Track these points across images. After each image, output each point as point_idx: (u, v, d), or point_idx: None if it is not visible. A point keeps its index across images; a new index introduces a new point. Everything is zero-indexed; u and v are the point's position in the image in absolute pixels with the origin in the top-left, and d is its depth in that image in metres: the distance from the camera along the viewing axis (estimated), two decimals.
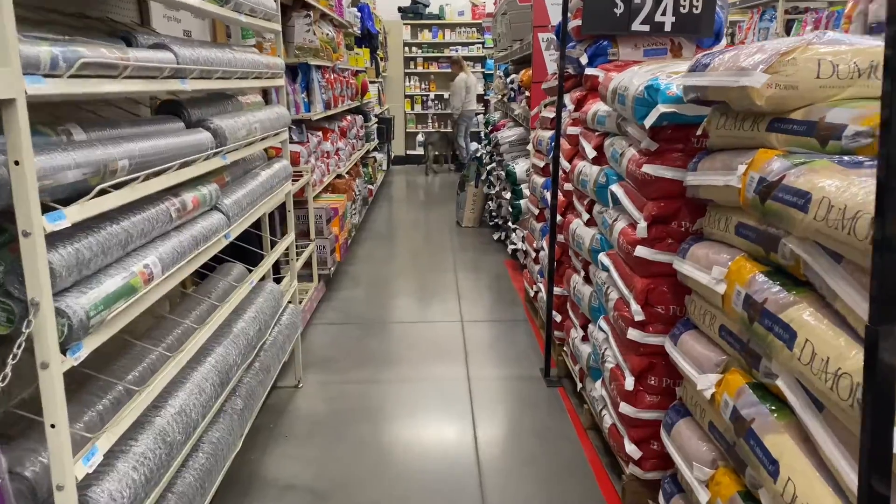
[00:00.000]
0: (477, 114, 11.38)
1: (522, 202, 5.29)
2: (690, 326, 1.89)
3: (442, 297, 4.57)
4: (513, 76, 5.41)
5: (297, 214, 4.34)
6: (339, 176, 5.46)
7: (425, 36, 11.54)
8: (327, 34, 5.14)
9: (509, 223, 5.61)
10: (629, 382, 2.17)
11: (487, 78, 11.52)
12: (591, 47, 3.19)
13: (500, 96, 7.70)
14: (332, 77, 5.12)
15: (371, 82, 9.02)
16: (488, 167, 6.34)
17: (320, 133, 4.80)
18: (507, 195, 5.43)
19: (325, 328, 4.03)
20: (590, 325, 2.74)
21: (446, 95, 11.35)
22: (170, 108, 2.17)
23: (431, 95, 11.74)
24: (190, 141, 1.92)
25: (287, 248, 3.14)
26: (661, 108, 2.01)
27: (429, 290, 4.72)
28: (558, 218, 3.25)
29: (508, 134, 5.76)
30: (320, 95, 4.60)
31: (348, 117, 6.21)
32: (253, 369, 2.49)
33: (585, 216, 2.83)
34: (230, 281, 2.63)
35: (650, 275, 2.14)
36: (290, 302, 3.10)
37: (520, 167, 5.30)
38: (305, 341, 3.80)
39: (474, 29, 11.55)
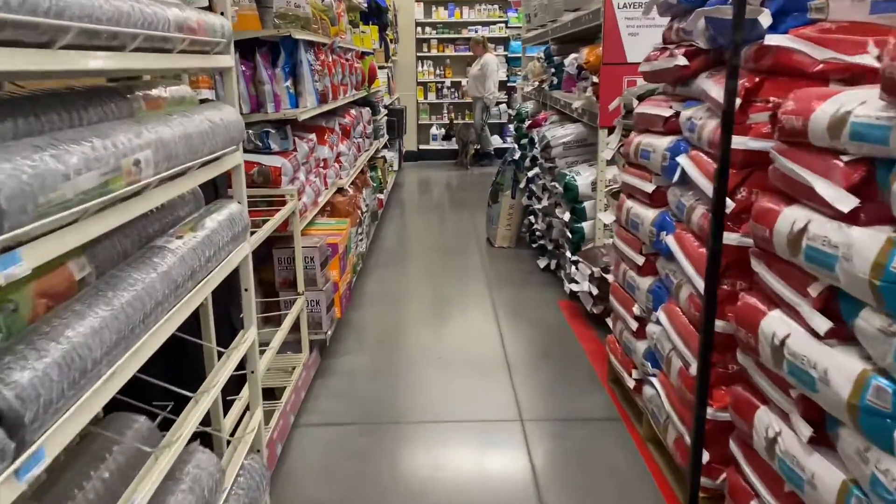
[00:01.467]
0: (499, 103, 10.02)
1: (586, 226, 3.96)
2: None
3: (483, 369, 3.24)
4: (572, 57, 4.08)
5: (278, 257, 3.03)
6: (340, 191, 4.14)
7: (440, 14, 10.15)
8: (323, 0, 3.79)
9: (564, 250, 4.28)
10: None
11: (512, 62, 10.14)
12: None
13: (536, 83, 6.35)
14: (329, 59, 3.78)
15: (380, 67, 7.67)
16: (529, 173, 5.00)
17: (313, 136, 3.48)
18: (564, 214, 4.10)
19: (317, 434, 2.71)
20: None
21: (464, 82, 9.97)
22: None
23: (447, 82, 10.37)
24: None
25: (246, 358, 1.82)
26: None
27: (461, 355, 3.40)
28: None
29: (561, 133, 4.41)
30: (312, 84, 3.27)
31: (352, 111, 4.87)
32: None
33: (808, 313, 1.45)
34: (116, 459, 1.31)
35: None
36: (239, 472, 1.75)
37: (582, 179, 3.96)
38: (286, 464, 2.49)
39: (496, 6, 10.15)
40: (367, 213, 4.87)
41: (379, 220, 5.86)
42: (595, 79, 3.79)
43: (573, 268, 4.00)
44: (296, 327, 3.00)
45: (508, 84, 10.27)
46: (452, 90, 10.40)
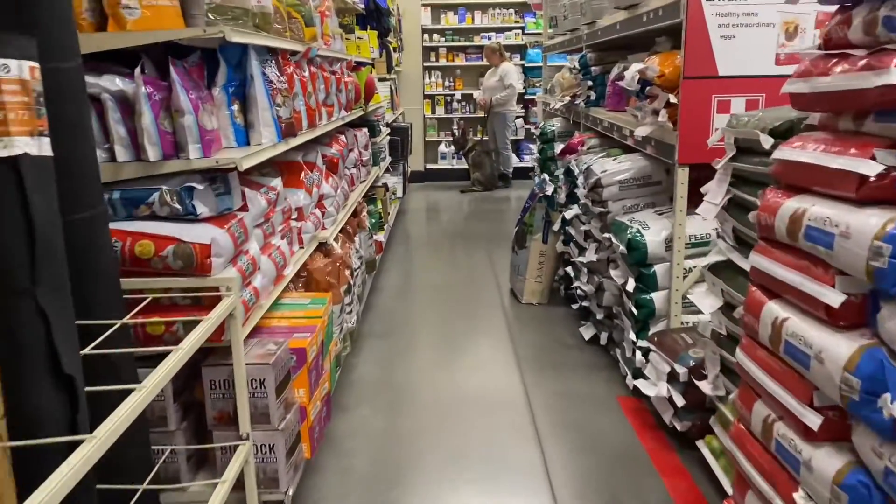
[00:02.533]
0: (517, 117, 8.98)
1: (657, 297, 2.90)
2: None
3: None
4: (634, 69, 3.01)
5: (210, 379, 1.98)
6: (321, 247, 3.09)
7: (449, 20, 9.13)
8: None
9: (621, 322, 3.21)
10: None
11: (529, 73, 9.11)
12: None
13: (566, 98, 5.30)
14: (303, 73, 2.73)
15: (381, 80, 6.65)
16: (566, 213, 3.93)
17: (278, 182, 2.42)
18: (625, 280, 3.03)
19: None
20: None
21: (476, 94, 8.95)
22: None
23: (457, 95, 9.33)
24: None
25: None
26: None
27: None
28: None
29: (615, 167, 3.34)
30: (271, 110, 2.22)
31: (343, 137, 3.83)
32: None
33: None
34: None
35: None
36: None
37: (652, 234, 2.89)
38: None
39: (512, 11, 9.12)
40: (360, 270, 3.81)
41: (377, 267, 4.80)
42: (672, 97, 2.73)
43: (638, 354, 2.92)
44: (240, 483, 1.94)
45: (526, 97, 9.22)
46: (463, 103, 9.36)
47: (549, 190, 4.19)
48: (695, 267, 2.86)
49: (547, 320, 4.03)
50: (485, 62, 9.11)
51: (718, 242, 2.28)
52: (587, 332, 3.67)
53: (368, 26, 5.29)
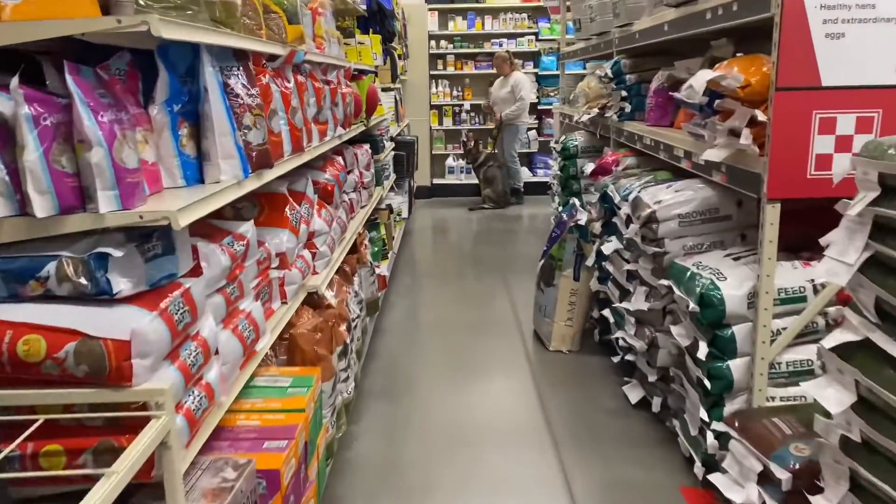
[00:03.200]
0: (529, 129, 8.40)
1: (736, 366, 2.29)
2: None
3: None
4: (702, 77, 2.39)
5: None
6: (309, 298, 2.49)
7: (458, 25, 8.55)
8: None
9: (681, 388, 2.59)
10: None
11: (543, 81, 8.53)
12: None
13: (593, 109, 4.70)
14: (285, 83, 2.13)
15: (385, 89, 6.07)
16: (604, 247, 3.32)
17: (247, 228, 1.82)
18: (693, 342, 2.42)
19: None
20: None
21: (484, 102, 8.36)
22: None
23: (466, 105, 8.74)
24: None
25: None
26: None
27: None
28: None
29: (672, 198, 2.72)
30: (233, 135, 1.61)
31: (340, 159, 3.22)
32: None
33: None
34: None
35: None
36: None
37: (732, 287, 2.27)
38: None
39: (525, 15, 8.54)
40: (361, 318, 3.20)
41: (380, 306, 4.19)
42: (760, 114, 2.12)
43: (710, 436, 2.31)
44: None
45: (539, 107, 8.63)
46: (472, 114, 8.77)
47: (583, 219, 3.58)
48: (784, 329, 2.25)
49: (581, 374, 3.41)
50: (495, 71, 8.54)
51: (849, 316, 1.67)
52: (634, 393, 3.05)
53: (371, 30, 4.71)
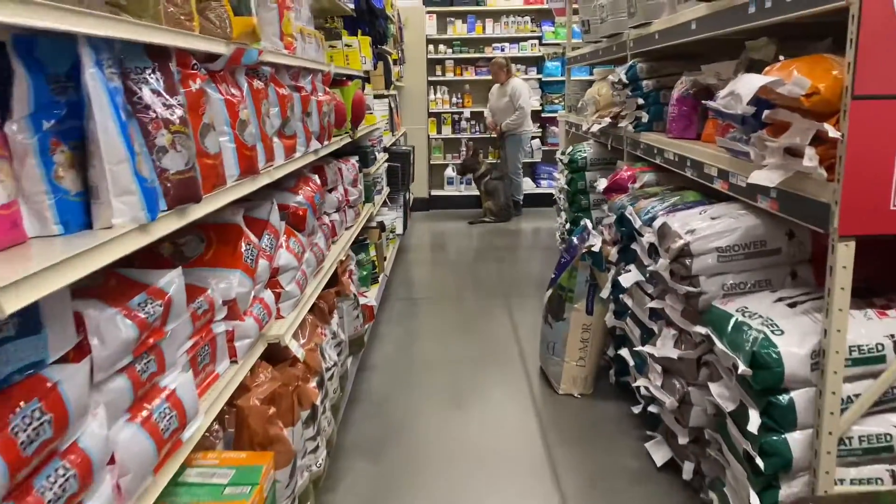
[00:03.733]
0: (533, 137, 7.98)
1: (794, 441, 1.84)
2: None
3: None
4: (749, 84, 1.96)
5: None
6: (272, 348, 2.05)
7: (457, 29, 8.13)
8: None
9: (727, 464, 2.14)
10: None
11: (546, 88, 8.12)
12: None
13: (605, 118, 4.28)
14: (231, 90, 1.69)
15: (378, 96, 5.65)
16: (622, 277, 2.87)
17: (170, 279, 1.38)
18: (739, 407, 1.97)
19: None
20: None
21: (486, 112, 7.95)
22: None
23: (466, 113, 8.31)
24: None
25: None
26: None
27: None
28: None
29: (710, 228, 2.27)
30: (131, 162, 1.17)
31: (314, 179, 2.77)
32: None
33: None
34: None
35: None
36: None
37: (791, 343, 1.82)
38: None
39: (528, 18, 8.12)
40: (339, 365, 2.74)
41: (366, 341, 3.74)
42: (832, 130, 1.68)
43: None
44: None
45: (543, 115, 8.20)
46: (472, 122, 8.34)
47: (597, 244, 3.14)
48: (857, 395, 1.80)
49: (596, 426, 2.96)
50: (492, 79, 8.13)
51: None
52: (659, 453, 2.60)
53: (360, 31, 4.28)
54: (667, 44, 3.24)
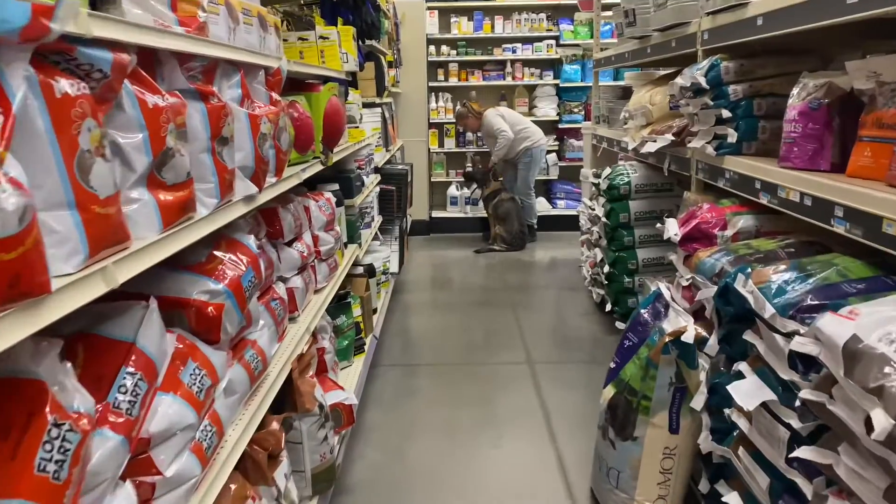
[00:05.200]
0: (549, 151, 6.97)
1: None
2: None
3: None
4: None
5: None
6: None
7: (462, 28, 7.11)
8: None
9: None
10: None
11: (564, 95, 7.11)
12: None
13: (666, 135, 3.27)
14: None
15: (369, 105, 4.65)
16: (736, 390, 1.83)
17: None
18: None
19: None
20: None
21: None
22: None
23: None
24: None
25: None
26: None
27: None
28: None
29: None
30: None
31: (244, 247, 1.71)
32: None
33: None
34: None
35: None
36: None
37: None
38: None
39: (543, 16, 7.10)
40: None
41: (348, 443, 2.69)
42: None
43: None
44: None
45: (560, 126, 7.17)
46: (479, 134, 7.31)
47: (689, 333, 2.08)
48: None
49: None
50: (507, 82, 7.12)
51: None
52: None
53: (340, 19, 3.24)
54: (775, 32, 2.21)
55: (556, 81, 7.09)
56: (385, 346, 3.98)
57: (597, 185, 4.29)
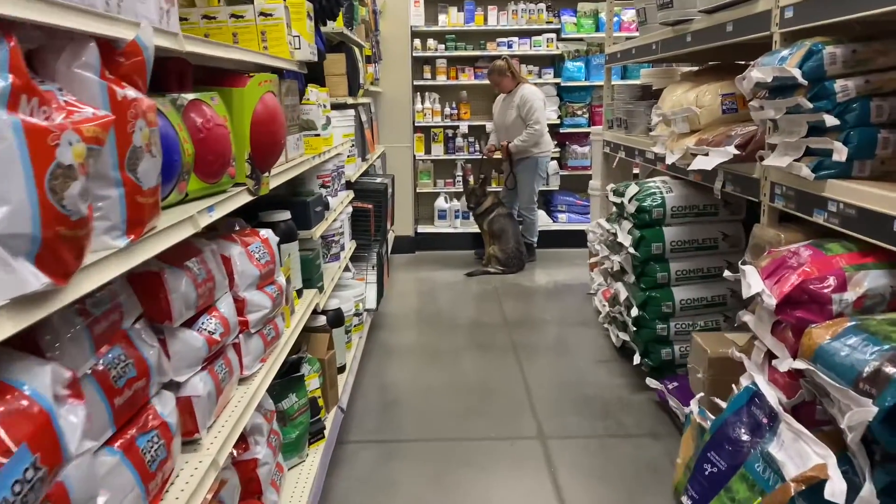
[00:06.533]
0: (551, 159, 6.17)
1: None
2: None
3: None
4: None
5: None
6: None
7: (451, 19, 6.30)
8: None
9: None
10: None
11: (567, 95, 6.31)
12: None
13: (721, 145, 2.46)
14: None
15: (339, 107, 3.84)
16: None
17: None
18: None
19: None
20: None
21: (489, 127, 6.14)
22: None
23: (463, 127, 6.46)
24: None
25: None
26: None
27: None
28: None
29: None
30: None
31: (26, 398, 0.89)
32: None
33: None
34: None
35: None
36: None
37: None
38: None
39: (542, 7, 6.29)
40: None
41: None
42: None
43: None
44: None
45: (561, 130, 6.38)
46: (471, 139, 6.50)
47: (834, 485, 1.28)
48: None
49: None
50: (493, 86, 6.28)
51: None
52: None
53: None
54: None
55: (557, 80, 6.29)
56: (356, 413, 3.16)
57: (618, 206, 3.49)
